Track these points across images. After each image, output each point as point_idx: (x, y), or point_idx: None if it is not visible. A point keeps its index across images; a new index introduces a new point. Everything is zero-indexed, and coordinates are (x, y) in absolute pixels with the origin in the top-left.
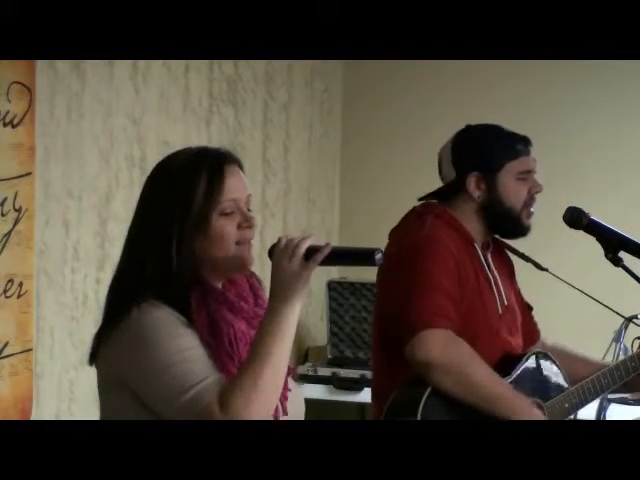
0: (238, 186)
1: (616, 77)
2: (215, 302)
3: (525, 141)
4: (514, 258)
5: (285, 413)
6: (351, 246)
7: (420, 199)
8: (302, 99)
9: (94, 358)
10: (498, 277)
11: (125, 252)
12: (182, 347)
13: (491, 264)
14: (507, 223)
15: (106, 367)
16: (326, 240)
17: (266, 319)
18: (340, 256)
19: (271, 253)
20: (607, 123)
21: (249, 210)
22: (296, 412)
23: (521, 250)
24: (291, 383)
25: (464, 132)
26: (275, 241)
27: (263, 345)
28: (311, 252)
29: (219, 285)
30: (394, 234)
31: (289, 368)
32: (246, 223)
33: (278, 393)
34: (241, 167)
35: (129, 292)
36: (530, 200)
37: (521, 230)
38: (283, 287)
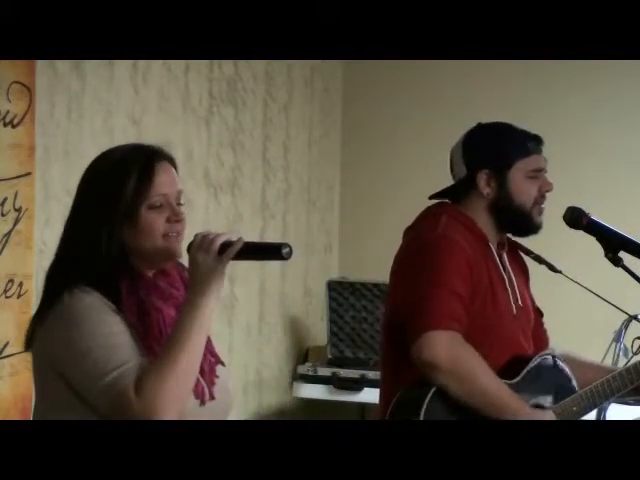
0: (168, 182)
1: (616, 77)
2: (145, 289)
3: (537, 139)
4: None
5: (212, 398)
6: (262, 242)
7: (431, 197)
8: (302, 99)
9: (30, 343)
10: (513, 277)
11: (61, 241)
12: (107, 332)
13: (506, 264)
14: (517, 220)
15: (39, 350)
16: (327, 239)
17: (184, 310)
18: (251, 250)
19: (189, 249)
20: (607, 123)
21: (179, 204)
22: (223, 397)
23: (530, 251)
24: (220, 370)
25: (475, 130)
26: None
27: (180, 335)
28: (225, 247)
29: (150, 274)
30: (408, 234)
31: (217, 357)
32: (175, 217)
33: (193, 380)
34: (173, 163)
35: (62, 278)
36: (541, 198)
37: (532, 227)
38: (200, 280)
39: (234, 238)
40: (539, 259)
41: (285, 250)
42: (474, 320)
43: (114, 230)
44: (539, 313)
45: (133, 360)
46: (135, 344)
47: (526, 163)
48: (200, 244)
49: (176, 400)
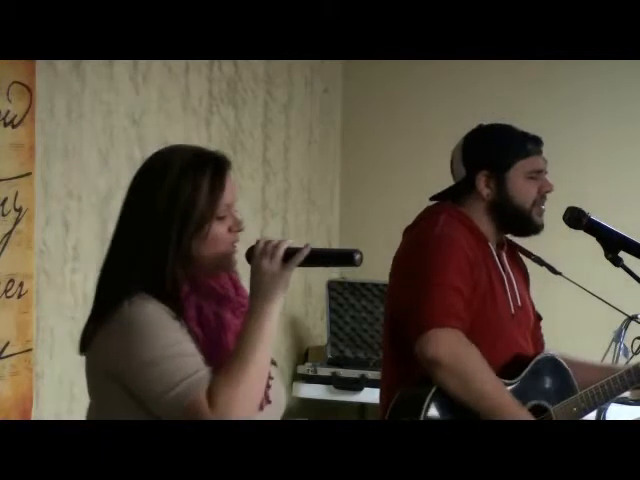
0: (231, 191)
1: (617, 77)
2: (203, 295)
3: (536, 140)
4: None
5: (268, 401)
6: (330, 248)
7: (431, 198)
8: (302, 99)
9: (84, 347)
10: (512, 277)
11: (118, 244)
12: (172, 342)
13: (505, 263)
14: (517, 222)
15: (96, 359)
16: (328, 240)
17: (249, 318)
18: (319, 257)
19: (249, 256)
20: (608, 123)
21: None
22: (278, 400)
23: (531, 253)
24: (273, 371)
25: (475, 131)
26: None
27: (248, 343)
28: (290, 253)
29: (203, 279)
30: (408, 233)
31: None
32: (236, 227)
33: (263, 388)
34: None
35: (120, 285)
36: (540, 199)
37: (532, 228)
38: (265, 287)
39: (298, 245)
40: (540, 261)
41: (357, 257)
42: (473, 318)
43: (184, 242)
44: (538, 317)
45: (201, 370)
46: (198, 352)
47: (525, 164)
48: (264, 250)
49: (249, 408)
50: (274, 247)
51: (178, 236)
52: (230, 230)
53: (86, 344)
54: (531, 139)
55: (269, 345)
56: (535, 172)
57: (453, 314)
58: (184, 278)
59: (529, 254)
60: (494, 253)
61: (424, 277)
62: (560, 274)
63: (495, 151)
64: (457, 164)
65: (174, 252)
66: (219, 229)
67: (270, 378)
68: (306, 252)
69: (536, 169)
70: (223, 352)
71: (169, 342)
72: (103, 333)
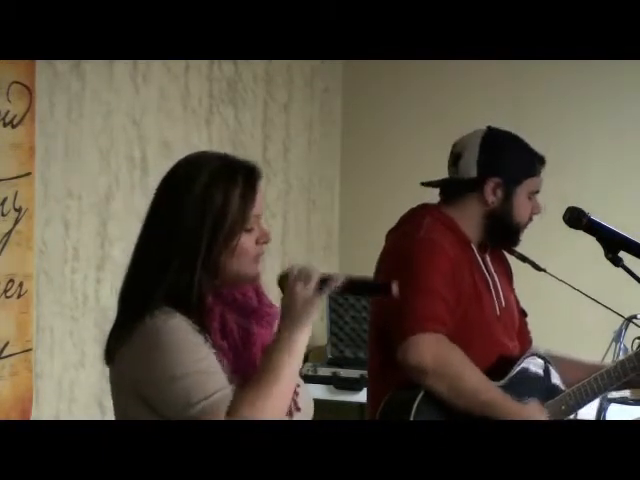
0: (260, 202)
1: (616, 76)
2: (227, 306)
3: (542, 161)
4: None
5: (297, 409)
6: (364, 278)
7: (423, 184)
8: (302, 99)
9: (109, 359)
10: (496, 278)
11: (142, 254)
12: (195, 358)
13: (489, 265)
14: (508, 235)
15: (120, 371)
16: (327, 239)
17: (278, 342)
18: (355, 287)
19: (282, 281)
20: (608, 122)
21: None
22: (307, 406)
23: (518, 250)
24: (298, 379)
25: (494, 135)
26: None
27: (274, 366)
28: (323, 280)
29: (226, 291)
30: (391, 235)
31: None
32: (263, 239)
33: (285, 409)
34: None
35: (143, 297)
36: (529, 220)
37: (514, 243)
38: (297, 312)
39: (330, 273)
40: (523, 258)
41: (395, 288)
42: (459, 322)
43: (212, 256)
44: (523, 313)
45: (221, 390)
46: (221, 366)
47: (530, 183)
48: (299, 275)
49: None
50: (309, 273)
51: (207, 248)
52: (257, 242)
53: (110, 356)
54: (539, 159)
55: (295, 369)
56: (534, 193)
57: (435, 319)
58: (209, 290)
59: (512, 251)
60: (478, 256)
61: (406, 282)
62: (544, 270)
63: (513, 163)
64: (469, 160)
65: (202, 264)
66: (247, 241)
67: (297, 385)
68: (341, 280)
69: (535, 190)
70: (248, 364)
71: (191, 359)
72: (125, 346)
